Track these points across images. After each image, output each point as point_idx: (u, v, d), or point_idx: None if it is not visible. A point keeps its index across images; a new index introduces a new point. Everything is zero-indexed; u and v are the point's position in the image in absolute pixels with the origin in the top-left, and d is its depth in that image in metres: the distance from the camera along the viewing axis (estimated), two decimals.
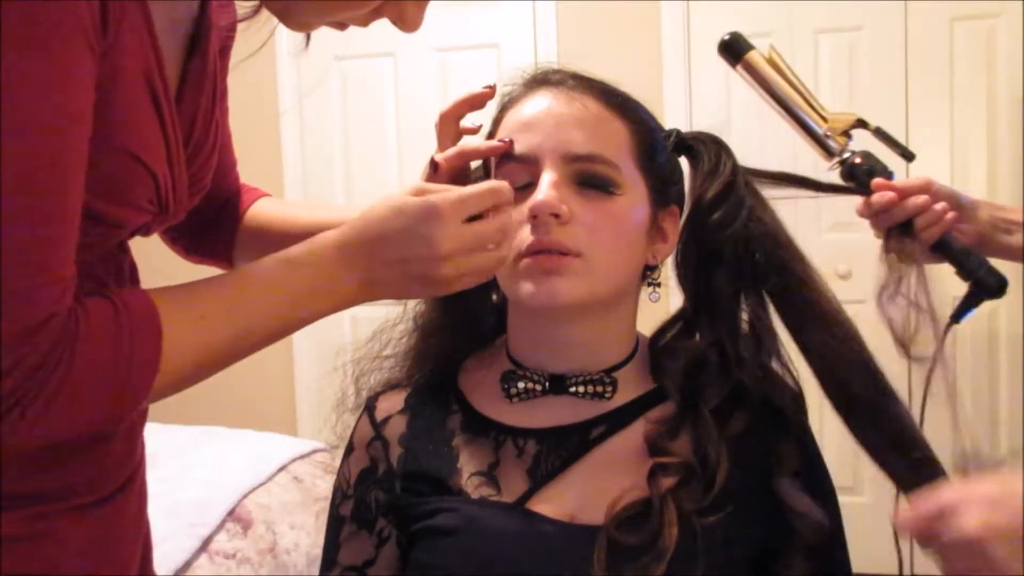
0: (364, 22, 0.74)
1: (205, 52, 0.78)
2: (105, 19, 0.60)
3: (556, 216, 0.81)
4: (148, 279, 0.78)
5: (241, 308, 0.70)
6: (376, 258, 0.72)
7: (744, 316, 0.88)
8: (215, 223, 1.00)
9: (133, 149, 0.66)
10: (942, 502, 0.71)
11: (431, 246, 0.71)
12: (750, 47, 1.06)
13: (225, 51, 0.89)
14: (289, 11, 0.72)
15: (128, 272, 0.78)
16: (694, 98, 2.88)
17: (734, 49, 1.07)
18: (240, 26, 0.79)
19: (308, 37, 0.80)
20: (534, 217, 0.81)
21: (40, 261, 0.58)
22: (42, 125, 0.57)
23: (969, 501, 0.70)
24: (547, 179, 0.82)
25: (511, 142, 0.85)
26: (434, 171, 0.89)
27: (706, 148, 0.91)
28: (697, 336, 0.90)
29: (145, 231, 0.76)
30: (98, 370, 0.61)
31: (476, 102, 0.91)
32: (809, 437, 0.85)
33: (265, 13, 0.75)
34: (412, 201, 0.72)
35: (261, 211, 1.01)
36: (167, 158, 0.70)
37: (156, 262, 1.02)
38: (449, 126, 0.91)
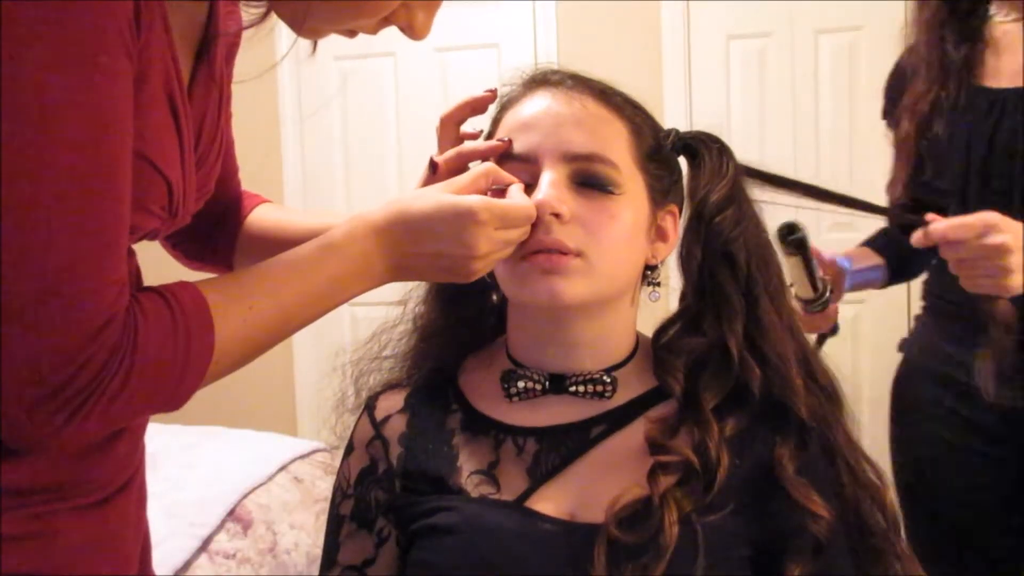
0: (374, 30, 0.76)
1: (213, 58, 0.79)
2: (139, 24, 0.62)
3: (556, 215, 0.81)
4: (149, 282, 0.78)
5: (286, 294, 0.74)
6: (412, 248, 0.77)
7: (747, 313, 0.88)
8: (216, 229, 1.00)
9: (150, 155, 0.67)
10: (981, 219, 1.05)
11: (468, 249, 0.76)
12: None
13: (230, 57, 0.89)
14: (300, 18, 0.73)
15: (135, 276, 0.79)
16: (694, 98, 2.88)
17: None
18: (246, 33, 0.79)
19: (315, 43, 0.81)
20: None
21: (100, 264, 0.61)
22: (96, 134, 0.59)
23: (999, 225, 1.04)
24: (547, 178, 0.82)
25: (510, 142, 0.86)
26: (433, 172, 0.90)
27: (707, 148, 0.91)
28: (700, 333, 0.90)
29: (153, 235, 0.78)
30: (157, 364, 0.64)
31: (477, 106, 0.92)
32: (811, 435, 0.85)
33: (271, 19, 0.76)
34: (458, 205, 0.77)
35: (261, 217, 1.02)
36: (180, 164, 0.72)
37: (155, 266, 1.02)
38: (450, 130, 0.92)
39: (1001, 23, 1.29)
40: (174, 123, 0.70)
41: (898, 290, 2.70)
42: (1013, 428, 1.29)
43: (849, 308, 2.71)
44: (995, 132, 1.25)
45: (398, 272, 0.79)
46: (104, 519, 0.74)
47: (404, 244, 0.77)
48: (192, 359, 0.66)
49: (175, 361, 0.65)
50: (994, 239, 1.05)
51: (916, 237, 1.09)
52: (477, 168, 0.83)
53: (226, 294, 0.70)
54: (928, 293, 1.46)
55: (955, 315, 1.35)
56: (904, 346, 1.49)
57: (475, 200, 0.77)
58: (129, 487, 0.78)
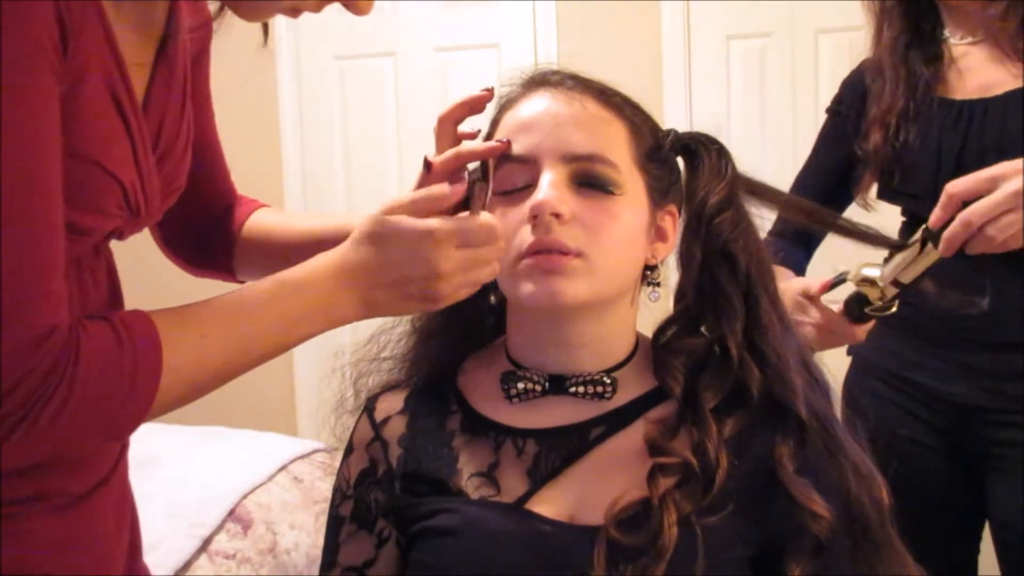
0: (316, 7, 0.75)
1: (173, 56, 0.79)
2: (64, 38, 0.62)
3: (557, 216, 0.81)
4: (146, 286, 0.78)
5: (240, 328, 0.72)
6: (375, 281, 0.76)
7: (747, 314, 0.88)
8: (213, 235, 1.00)
9: (97, 157, 0.67)
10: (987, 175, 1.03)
11: (428, 268, 0.75)
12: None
13: (203, 53, 0.89)
14: (240, 1, 0.73)
15: (106, 277, 0.79)
16: (694, 98, 2.88)
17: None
18: (248, 29, 0.79)
19: (266, 30, 0.81)
20: (534, 217, 0.81)
21: (35, 276, 0.61)
22: (21, 152, 0.59)
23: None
24: (547, 179, 0.82)
25: (508, 142, 0.86)
26: (427, 171, 0.90)
27: (706, 149, 0.91)
28: (700, 334, 0.90)
29: (118, 235, 0.77)
30: (101, 384, 0.63)
31: (475, 105, 0.91)
32: (811, 434, 0.85)
33: (226, 13, 0.76)
34: (413, 226, 0.75)
35: (259, 221, 1.02)
36: (135, 164, 0.72)
37: (155, 269, 1.03)
38: (447, 129, 0.92)
39: (957, 45, 1.36)
40: (122, 122, 0.70)
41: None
42: (959, 423, 1.36)
43: None
44: (965, 140, 1.30)
45: (368, 309, 0.77)
46: (78, 518, 0.74)
47: (365, 277, 0.76)
48: (138, 380, 0.65)
49: (120, 381, 0.64)
50: (1008, 187, 1.03)
51: (947, 239, 1.06)
52: (415, 192, 0.81)
53: (177, 322, 0.69)
54: None
55: (904, 314, 1.38)
56: (852, 348, 1.53)
57: (431, 220, 0.76)
58: (105, 487, 0.77)
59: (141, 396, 0.65)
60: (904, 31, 1.38)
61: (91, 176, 0.67)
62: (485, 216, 0.79)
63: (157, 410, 0.67)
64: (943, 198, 1.07)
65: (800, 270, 1.49)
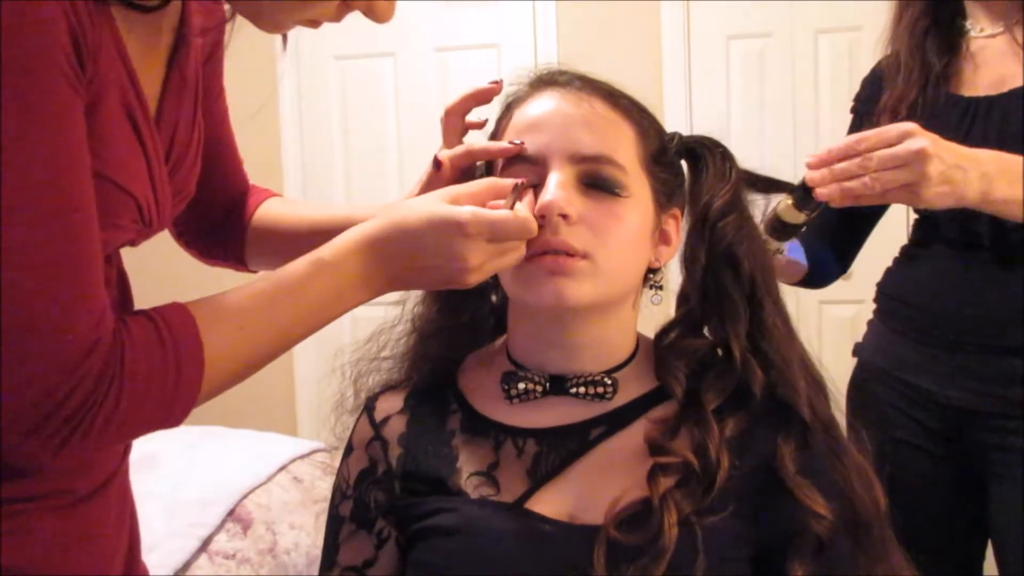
0: (335, 17, 0.75)
1: (184, 65, 0.79)
2: (80, 58, 0.62)
3: (564, 216, 0.81)
4: (149, 283, 0.78)
5: (277, 313, 0.73)
6: (406, 261, 0.77)
7: (750, 317, 0.88)
8: (225, 226, 1.01)
9: (112, 176, 0.68)
10: (898, 126, 1.04)
11: (460, 261, 0.75)
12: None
13: (216, 54, 0.89)
14: (259, 12, 0.73)
15: (117, 282, 0.79)
16: (694, 98, 2.88)
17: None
18: (250, 27, 0.79)
19: (285, 40, 0.81)
20: (542, 217, 0.81)
21: (74, 296, 0.62)
22: (52, 171, 0.60)
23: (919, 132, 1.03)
24: (554, 179, 0.82)
25: (522, 144, 0.85)
26: (437, 169, 0.89)
27: (710, 153, 0.91)
28: (704, 335, 0.90)
29: (131, 243, 0.78)
30: (147, 384, 0.65)
31: (482, 97, 0.91)
32: (813, 435, 0.85)
33: (237, 16, 0.76)
34: (447, 216, 0.75)
35: (269, 211, 1.02)
36: (149, 178, 0.72)
37: (156, 267, 1.03)
38: (455, 121, 0.92)
39: (976, 38, 1.35)
40: (137, 139, 0.70)
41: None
42: (960, 428, 1.35)
43: (848, 308, 2.72)
44: (966, 136, 1.29)
45: (394, 284, 0.78)
46: (80, 518, 0.74)
47: (398, 257, 0.76)
48: (183, 380, 0.67)
49: (165, 383, 0.66)
50: (913, 144, 1.03)
51: (839, 171, 1.05)
52: (480, 182, 0.82)
53: (215, 314, 0.70)
54: (880, 295, 1.50)
55: (905, 316, 1.40)
56: (857, 350, 1.52)
57: (465, 212, 0.75)
58: (107, 488, 0.78)
59: (186, 391, 0.67)
60: (923, 16, 1.37)
61: (108, 194, 0.67)
62: (520, 210, 0.79)
63: (202, 399, 0.69)
64: (846, 144, 1.06)
65: (822, 265, 1.48)
